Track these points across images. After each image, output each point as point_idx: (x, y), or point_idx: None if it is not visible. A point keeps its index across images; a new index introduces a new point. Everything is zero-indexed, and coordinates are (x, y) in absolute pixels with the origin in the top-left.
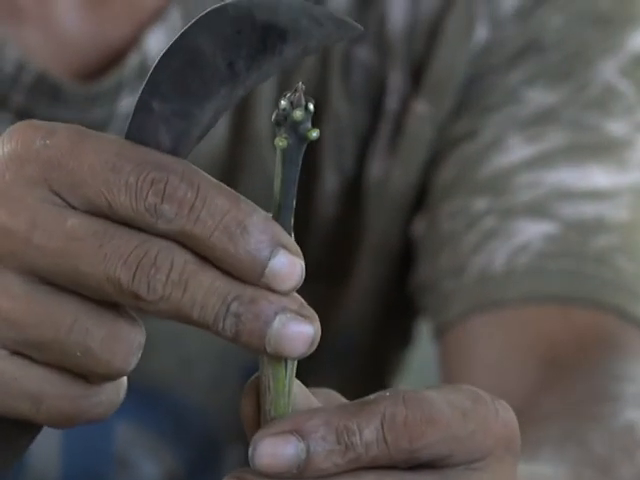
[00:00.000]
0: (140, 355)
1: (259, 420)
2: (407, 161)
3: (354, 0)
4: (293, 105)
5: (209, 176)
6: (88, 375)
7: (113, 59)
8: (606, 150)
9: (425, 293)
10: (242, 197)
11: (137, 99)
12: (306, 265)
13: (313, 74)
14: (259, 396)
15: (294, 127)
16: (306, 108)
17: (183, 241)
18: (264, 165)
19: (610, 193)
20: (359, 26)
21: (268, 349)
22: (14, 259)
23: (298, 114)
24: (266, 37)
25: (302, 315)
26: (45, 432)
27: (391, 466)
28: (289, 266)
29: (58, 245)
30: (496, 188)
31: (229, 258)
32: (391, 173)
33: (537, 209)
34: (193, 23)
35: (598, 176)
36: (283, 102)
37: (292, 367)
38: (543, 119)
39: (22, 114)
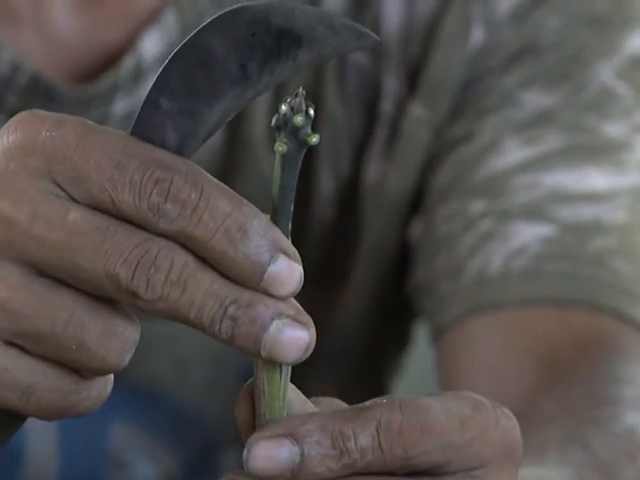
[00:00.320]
0: (133, 352)
1: (254, 423)
2: (403, 164)
3: (349, 1)
4: (294, 110)
5: (213, 178)
6: (81, 369)
7: (108, 61)
8: (603, 152)
9: (422, 296)
10: (245, 201)
11: (146, 95)
12: (302, 268)
13: (308, 78)
14: (254, 400)
15: (294, 132)
16: (307, 113)
17: (184, 242)
18: (259, 169)
19: (607, 195)
20: (377, 37)
21: (263, 353)
22: (14, 250)
23: (299, 119)
24: (281, 41)
25: (298, 321)
26: (43, 432)
27: (387, 473)
28: (288, 271)
29: (59, 238)
30: (493, 191)
31: (228, 261)
32: (387, 176)
33: (534, 211)
34: (207, 23)
35: (595, 178)
36: (284, 107)
37: (287, 371)
38: (540, 121)
39: None
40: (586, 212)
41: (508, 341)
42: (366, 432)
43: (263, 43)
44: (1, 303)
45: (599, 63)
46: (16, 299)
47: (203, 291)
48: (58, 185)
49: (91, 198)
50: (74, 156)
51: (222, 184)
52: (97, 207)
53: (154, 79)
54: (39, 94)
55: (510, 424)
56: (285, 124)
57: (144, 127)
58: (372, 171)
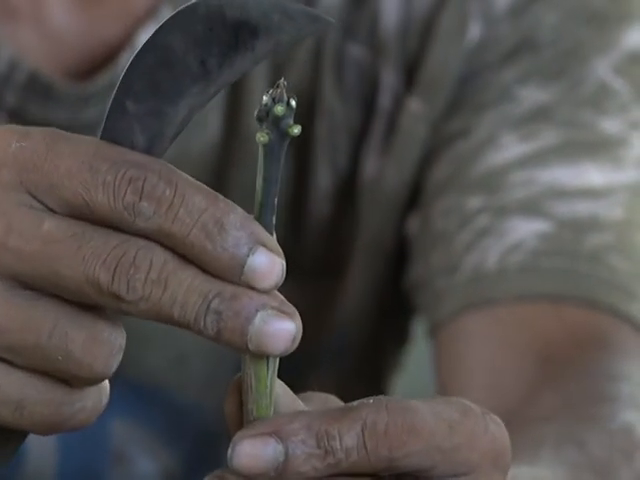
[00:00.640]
0: (121, 358)
1: (242, 418)
2: (401, 159)
3: None
4: (275, 100)
5: (187, 175)
6: (70, 379)
7: (106, 58)
8: (600, 148)
9: (419, 291)
10: (220, 196)
11: (111, 99)
12: (300, 263)
13: (306, 72)
14: (242, 394)
15: (276, 122)
16: (288, 104)
17: (162, 240)
18: (256, 162)
19: (604, 191)
20: (332, 20)
21: (250, 347)
22: None
23: (279, 109)
24: (237, 34)
25: (283, 312)
26: None
27: (373, 474)
28: (269, 264)
29: (35, 248)
30: (490, 186)
31: (207, 256)
32: (385, 171)
33: (531, 207)
34: (165, 22)
35: (592, 174)
36: (265, 98)
37: (274, 366)
38: (537, 117)
39: (15, 113)
40: (583, 208)
41: (504, 337)
42: (351, 432)
43: (220, 37)
44: None
45: (596, 59)
46: None
47: (185, 288)
48: (32, 195)
49: (66, 205)
50: (45, 164)
51: (197, 181)
52: (73, 213)
53: (118, 82)
54: (37, 92)
55: (499, 431)
56: (267, 114)
57: (112, 132)
58: (370, 166)
